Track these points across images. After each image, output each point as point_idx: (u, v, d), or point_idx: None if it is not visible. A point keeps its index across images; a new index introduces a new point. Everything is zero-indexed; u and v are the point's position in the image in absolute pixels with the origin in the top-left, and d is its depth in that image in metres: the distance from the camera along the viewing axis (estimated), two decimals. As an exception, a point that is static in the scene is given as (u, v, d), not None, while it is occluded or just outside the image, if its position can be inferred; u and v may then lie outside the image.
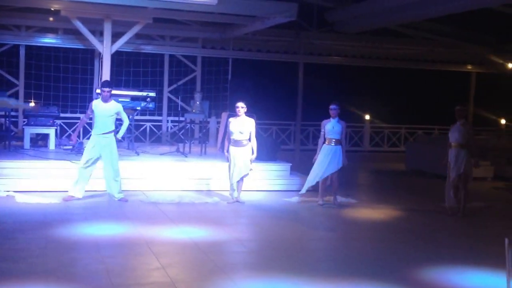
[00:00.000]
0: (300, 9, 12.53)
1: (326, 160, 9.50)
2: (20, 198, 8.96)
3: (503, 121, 16.43)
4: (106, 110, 9.13)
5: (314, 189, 9.89)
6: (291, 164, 11.56)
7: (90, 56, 15.43)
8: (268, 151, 11.50)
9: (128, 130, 12.30)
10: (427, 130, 18.91)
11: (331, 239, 7.82)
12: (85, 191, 9.23)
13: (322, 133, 9.73)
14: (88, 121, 11.43)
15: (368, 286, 5.56)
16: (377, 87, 18.53)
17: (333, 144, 9.53)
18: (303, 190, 9.86)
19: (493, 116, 17.22)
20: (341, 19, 14.96)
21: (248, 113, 9.73)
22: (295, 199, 10.10)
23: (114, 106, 9.23)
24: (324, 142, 9.66)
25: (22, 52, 15.20)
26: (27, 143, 12.05)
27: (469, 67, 18.53)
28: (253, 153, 9.55)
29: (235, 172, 9.55)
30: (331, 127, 9.55)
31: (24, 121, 13.67)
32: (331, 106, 9.58)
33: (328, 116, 9.65)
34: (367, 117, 18.48)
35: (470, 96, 18.79)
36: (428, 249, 7.11)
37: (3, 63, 15.16)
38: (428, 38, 17.00)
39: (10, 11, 13.99)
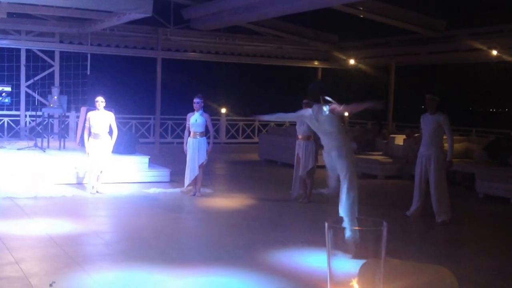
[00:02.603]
0: (156, 5, 12.89)
1: (195, 153, 9.87)
2: None
3: (346, 113, 17.87)
4: None
5: (176, 180, 10.21)
6: (149, 157, 11.89)
7: None
8: (126, 144, 11.87)
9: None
10: (279, 122, 20.06)
11: (187, 227, 8.16)
12: None
13: (187, 126, 10.08)
14: None
15: (222, 270, 5.80)
16: (232, 82, 19.35)
17: (198, 137, 9.85)
18: (185, 187, 10.14)
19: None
20: (196, 16, 15.59)
21: (106, 108, 10.09)
22: (153, 190, 10.42)
23: None
24: (189, 135, 10.03)
25: None
26: None
27: (316, 63, 19.96)
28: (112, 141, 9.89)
29: (95, 165, 9.91)
30: (194, 120, 9.85)
31: None
32: (195, 100, 9.84)
33: (191, 110, 9.98)
34: (223, 110, 19.21)
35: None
36: (276, 234, 7.51)
37: None
38: (277, 36, 18.13)
39: None
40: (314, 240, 7.06)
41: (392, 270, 2.47)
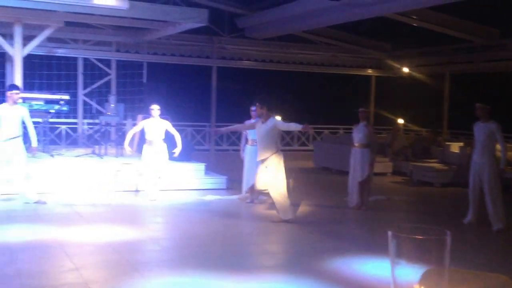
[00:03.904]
0: (211, 15, 13.02)
1: (252, 161, 9.76)
2: None
3: (400, 121, 17.64)
4: (12, 114, 8.94)
5: (233, 187, 10.25)
6: (205, 164, 11.96)
7: (1, 59, 15.21)
8: (182, 152, 11.87)
9: (43, 132, 12.34)
10: (333, 130, 19.90)
11: (244, 234, 8.11)
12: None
13: (244, 133, 10.11)
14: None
15: (279, 278, 5.79)
16: (286, 90, 19.32)
17: (255, 144, 9.70)
18: (242, 194, 10.17)
19: (392, 116, 18.44)
20: (251, 25, 15.63)
21: (162, 116, 10.14)
22: (209, 197, 10.45)
23: (20, 111, 9.07)
24: (246, 143, 10.03)
25: None
26: None
27: (369, 71, 19.71)
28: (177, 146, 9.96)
29: (151, 171, 9.95)
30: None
31: None
32: (252, 108, 9.85)
33: (246, 117, 10.02)
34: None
35: (371, 98, 20.04)
36: (331, 241, 7.46)
37: None
38: (330, 44, 18.04)
39: None
40: (370, 247, 6.99)
41: (453, 279, 2.41)
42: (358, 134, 9.75)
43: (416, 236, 2.05)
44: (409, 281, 1.98)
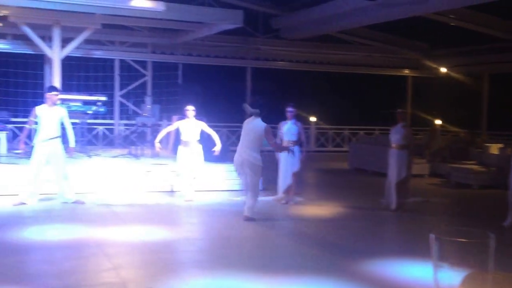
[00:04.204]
0: (246, 16, 13.04)
1: (287, 162, 9.85)
2: (-29, 202, 9.02)
3: (437, 122, 17.38)
4: (51, 115, 9.10)
5: (268, 188, 10.28)
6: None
7: (40, 61, 15.52)
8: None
9: (81, 133, 12.52)
10: (368, 130, 19.73)
11: (278, 235, 8.08)
12: (39, 194, 9.30)
13: (279, 134, 10.13)
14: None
15: (314, 280, 5.72)
16: (321, 90, 19.24)
17: (290, 145, 9.80)
18: (277, 195, 10.16)
19: (429, 117, 18.19)
20: (286, 26, 15.61)
21: (197, 117, 10.18)
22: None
23: (59, 111, 9.23)
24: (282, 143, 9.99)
25: (-30, 57, 15.19)
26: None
27: (406, 71, 19.48)
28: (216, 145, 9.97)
29: (186, 172, 10.00)
30: (287, 128, 9.92)
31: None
32: (288, 109, 9.92)
33: (281, 118, 10.03)
34: (313, 119, 19.11)
35: (407, 98, 19.79)
36: (371, 243, 7.40)
37: (-49, 68, 15.12)
38: (366, 44, 17.87)
39: (-43, 16, 13.98)
40: (408, 250, 6.92)
41: (496, 282, 2.32)
42: (396, 135, 9.65)
43: (460, 239, 2.03)
44: (451, 284, 1.93)
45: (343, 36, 17.06)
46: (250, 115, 8.43)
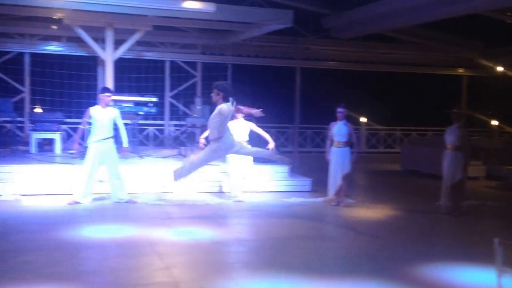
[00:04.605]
0: (296, 15, 12.93)
1: (338, 163, 9.76)
2: (27, 202, 9.27)
3: (494, 122, 16.84)
4: (105, 116, 9.28)
5: (317, 190, 10.19)
6: (290, 166, 11.87)
7: (93, 63, 15.81)
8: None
9: (132, 134, 12.68)
10: (421, 131, 19.31)
11: (329, 238, 7.99)
12: (93, 193, 9.45)
13: (329, 135, 10.02)
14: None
15: (366, 284, 5.67)
16: (372, 91, 18.97)
17: (341, 146, 9.75)
18: (328, 196, 10.05)
19: (485, 117, 17.67)
20: (336, 25, 15.39)
21: (246, 118, 10.14)
22: (294, 199, 10.38)
23: (112, 112, 9.40)
24: (331, 145, 9.92)
25: (27, 59, 15.60)
26: (33, 147, 12.42)
27: (460, 70, 18.97)
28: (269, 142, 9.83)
29: (236, 172, 9.98)
30: (337, 129, 9.80)
31: (30, 127, 14.04)
32: (338, 109, 9.83)
33: (331, 119, 9.94)
34: (363, 119, 18.87)
35: (462, 98, 19.26)
36: (424, 247, 7.24)
37: (8, 70, 15.53)
38: (419, 43, 17.47)
39: (14, 20, 14.39)
40: (465, 255, 6.78)
41: None
42: (451, 136, 9.45)
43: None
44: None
45: (395, 34, 16.71)
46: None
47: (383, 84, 19.23)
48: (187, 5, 11.37)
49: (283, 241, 7.43)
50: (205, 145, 10.14)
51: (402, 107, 19.22)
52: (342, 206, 9.82)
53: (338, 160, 9.75)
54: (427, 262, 6.47)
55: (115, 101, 11.48)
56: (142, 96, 13.55)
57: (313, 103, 17.38)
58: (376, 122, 19.18)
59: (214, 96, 7.70)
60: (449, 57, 18.57)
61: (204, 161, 8.05)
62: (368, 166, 16.27)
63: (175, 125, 16.80)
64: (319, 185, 11.02)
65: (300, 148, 17.46)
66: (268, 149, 9.92)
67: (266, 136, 9.97)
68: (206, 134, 10.20)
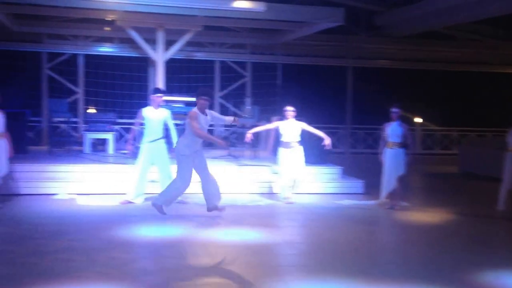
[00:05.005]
0: (347, 13, 12.70)
1: (392, 165, 9.53)
2: (82, 201, 9.44)
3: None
4: (156, 116, 9.35)
5: (370, 192, 10.03)
6: (342, 167, 11.68)
7: (144, 64, 15.98)
8: (317, 155, 11.67)
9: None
10: (479, 132, 18.70)
11: (384, 241, 7.85)
12: (144, 193, 9.49)
13: (383, 136, 9.81)
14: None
15: None
16: (426, 90, 18.53)
17: (395, 147, 9.52)
18: (381, 199, 9.84)
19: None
20: (389, 22, 15.05)
21: (296, 118, 9.99)
22: (346, 201, 10.21)
23: (164, 113, 9.45)
24: (385, 146, 9.69)
25: (80, 60, 15.91)
26: (87, 147, 12.63)
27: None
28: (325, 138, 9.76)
29: (287, 174, 9.84)
30: (391, 130, 9.58)
31: (84, 127, 14.29)
32: (393, 109, 9.61)
33: (384, 119, 9.74)
34: (418, 120, 18.42)
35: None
36: (483, 253, 7.02)
37: (63, 71, 15.89)
38: (474, 40, 16.85)
39: (69, 22, 14.69)
40: None
41: None
42: None
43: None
44: None
45: (450, 32, 16.19)
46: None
47: (438, 83, 18.75)
48: (237, 4, 11.32)
49: (335, 244, 7.31)
50: (252, 140, 10.14)
51: (459, 107, 18.67)
52: (396, 209, 9.56)
53: (392, 161, 9.50)
54: (484, 268, 6.25)
55: (166, 101, 11.51)
56: (192, 96, 13.55)
57: (365, 103, 17.07)
58: (432, 122, 18.69)
59: (205, 102, 8.62)
60: (506, 54, 17.85)
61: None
62: (424, 168, 15.86)
63: (225, 126, 16.78)
64: (372, 188, 10.79)
65: (352, 149, 17.16)
66: (324, 145, 9.72)
67: (320, 133, 9.82)
68: (256, 130, 10.14)
